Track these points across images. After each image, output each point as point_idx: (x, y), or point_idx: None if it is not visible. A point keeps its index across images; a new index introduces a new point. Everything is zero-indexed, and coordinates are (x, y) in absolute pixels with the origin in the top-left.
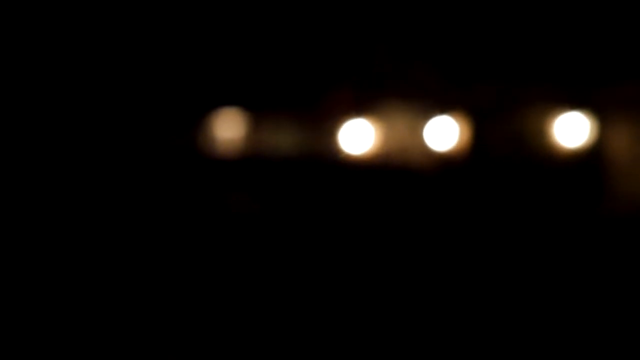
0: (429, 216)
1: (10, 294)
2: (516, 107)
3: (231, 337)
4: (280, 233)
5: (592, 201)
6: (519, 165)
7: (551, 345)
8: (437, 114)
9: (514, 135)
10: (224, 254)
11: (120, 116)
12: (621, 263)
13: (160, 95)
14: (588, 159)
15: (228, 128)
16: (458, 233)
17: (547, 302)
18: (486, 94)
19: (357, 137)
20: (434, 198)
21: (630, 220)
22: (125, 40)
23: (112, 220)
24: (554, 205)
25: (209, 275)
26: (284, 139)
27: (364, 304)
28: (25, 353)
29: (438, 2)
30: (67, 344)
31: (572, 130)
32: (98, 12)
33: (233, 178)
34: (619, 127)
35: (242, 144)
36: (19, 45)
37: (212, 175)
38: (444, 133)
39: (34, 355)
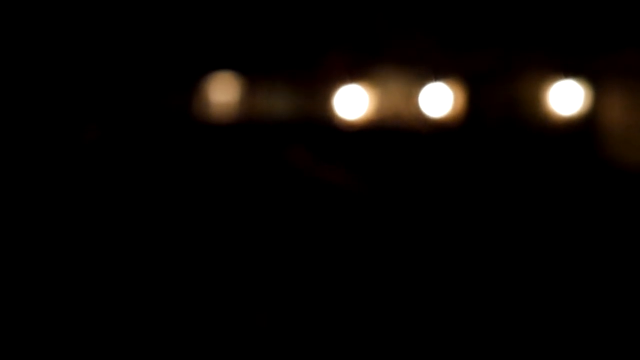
0: (423, 179)
1: None
2: (511, 73)
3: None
4: (280, 197)
5: (585, 166)
6: (513, 131)
7: (553, 307)
8: (432, 80)
9: (509, 102)
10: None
11: (116, 81)
12: (615, 225)
13: (157, 59)
14: (582, 126)
15: (223, 92)
16: (452, 196)
17: (542, 265)
18: (481, 61)
19: (352, 102)
20: (428, 161)
21: (623, 185)
22: (122, 6)
23: (111, 189)
24: (548, 170)
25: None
26: (279, 102)
27: (358, 269)
28: (17, 350)
29: None
30: (52, 318)
31: (566, 97)
32: None
33: (228, 142)
34: (612, 94)
35: (237, 107)
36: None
37: (207, 139)
38: (438, 99)
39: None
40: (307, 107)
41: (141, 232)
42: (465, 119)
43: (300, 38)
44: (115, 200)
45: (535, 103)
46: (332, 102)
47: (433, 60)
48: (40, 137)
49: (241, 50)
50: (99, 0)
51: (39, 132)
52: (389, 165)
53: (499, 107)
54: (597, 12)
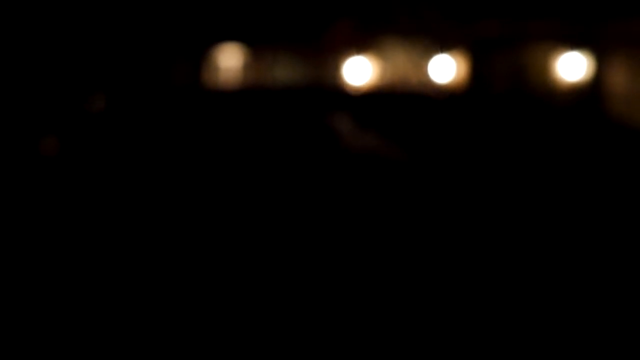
0: (429, 142)
1: None
2: (517, 42)
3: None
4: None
5: (591, 131)
6: (519, 98)
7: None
8: (439, 50)
9: (515, 70)
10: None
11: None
12: (620, 188)
13: (167, 31)
14: (588, 91)
15: (231, 61)
16: (460, 158)
17: (546, 224)
18: (487, 29)
19: (358, 72)
20: (437, 124)
21: (628, 149)
22: None
23: (117, 155)
24: (554, 135)
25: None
26: (287, 72)
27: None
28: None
29: None
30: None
31: (572, 65)
32: None
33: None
34: (617, 62)
35: (244, 76)
36: None
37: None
38: (444, 68)
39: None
40: (316, 76)
41: (151, 200)
42: (472, 86)
43: (308, 10)
44: (123, 170)
45: (541, 71)
46: (340, 71)
47: (440, 31)
48: (46, 105)
49: (250, 21)
50: None
51: (45, 100)
52: (405, 128)
53: (505, 74)
54: None
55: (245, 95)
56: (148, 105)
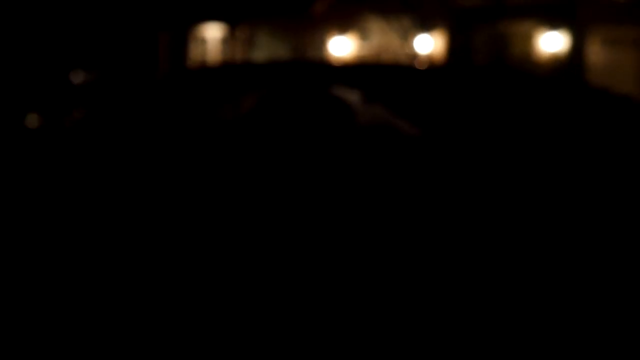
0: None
1: None
2: (498, 15)
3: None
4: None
5: (571, 102)
6: (502, 67)
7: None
8: (420, 25)
9: (496, 42)
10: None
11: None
12: (600, 156)
13: (148, 5)
14: (568, 64)
15: (214, 36)
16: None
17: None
18: (468, 1)
19: (340, 50)
20: (418, 92)
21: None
22: None
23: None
24: (532, 106)
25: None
26: (270, 48)
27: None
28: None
29: None
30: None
31: (552, 38)
32: None
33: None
34: (595, 35)
35: (227, 51)
36: None
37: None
38: (426, 43)
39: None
40: (300, 53)
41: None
42: (451, 58)
43: None
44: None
45: (522, 43)
46: (324, 47)
47: (419, 5)
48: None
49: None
50: None
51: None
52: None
53: (486, 47)
54: None
55: (234, 71)
56: (133, 81)
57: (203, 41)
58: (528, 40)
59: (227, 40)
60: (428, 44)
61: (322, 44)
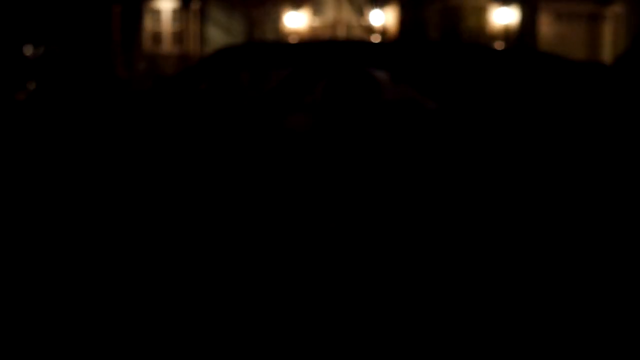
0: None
1: None
2: None
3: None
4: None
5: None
6: (455, 40)
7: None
8: (373, 2)
9: (447, 16)
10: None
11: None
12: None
13: None
14: (520, 38)
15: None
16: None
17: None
18: None
19: (294, 24)
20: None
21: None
22: None
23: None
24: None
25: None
26: (224, 21)
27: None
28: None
29: None
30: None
31: (505, 13)
32: None
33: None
34: (547, 9)
35: (180, 26)
36: None
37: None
38: (377, 19)
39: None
40: (254, 27)
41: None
42: (402, 33)
43: None
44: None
45: (474, 16)
46: (278, 22)
47: None
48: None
49: None
50: None
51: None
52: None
53: (437, 21)
54: None
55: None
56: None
57: (156, 13)
58: (481, 13)
59: (180, 13)
60: (381, 18)
61: (277, 18)
